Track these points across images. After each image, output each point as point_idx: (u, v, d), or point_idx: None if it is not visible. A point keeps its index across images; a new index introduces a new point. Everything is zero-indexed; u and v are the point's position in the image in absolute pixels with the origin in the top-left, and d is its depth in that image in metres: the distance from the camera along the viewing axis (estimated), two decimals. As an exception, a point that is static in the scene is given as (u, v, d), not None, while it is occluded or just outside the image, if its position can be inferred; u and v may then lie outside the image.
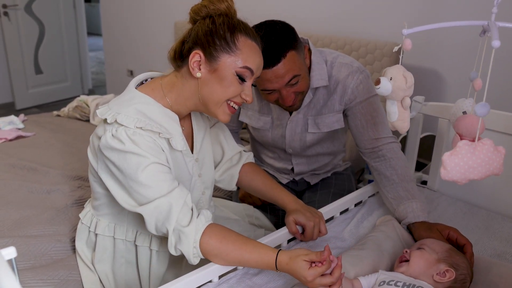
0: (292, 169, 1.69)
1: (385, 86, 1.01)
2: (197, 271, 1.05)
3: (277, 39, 1.25)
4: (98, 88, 5.41)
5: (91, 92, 5.17)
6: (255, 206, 1.66)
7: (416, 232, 1.27)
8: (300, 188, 1.78)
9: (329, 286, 0.97)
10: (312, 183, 1.75)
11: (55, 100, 4.84)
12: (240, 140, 1.84)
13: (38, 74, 4.62)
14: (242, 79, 1.06)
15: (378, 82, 1.01)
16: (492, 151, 0.91)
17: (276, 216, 1.66)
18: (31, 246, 1.34)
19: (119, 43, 4.11)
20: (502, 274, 1.13)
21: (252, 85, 1.12)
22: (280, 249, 1.03)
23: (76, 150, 2.09)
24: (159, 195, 1.02)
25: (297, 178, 1.74)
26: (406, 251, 1.10)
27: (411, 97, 1.20)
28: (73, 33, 4.83)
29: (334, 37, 2.37)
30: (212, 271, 1.07)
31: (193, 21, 1.09)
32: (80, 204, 1.59)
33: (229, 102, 1.09)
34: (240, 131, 2.06)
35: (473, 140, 0.95)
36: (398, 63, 2.13)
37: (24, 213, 1.51)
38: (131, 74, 4.07)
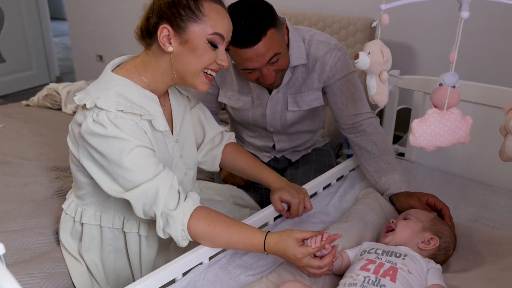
0: (274, 146, 1.70)
1: (363, 61, 1.03)
2: (187, 254, 1.06)
3: (257, 17, 1.23)
4: (66, 75, 5.24)
5: (59, 80, 5.00)
6: (238, 186, 1.67)
7: (398, 201, 1.31)
8: (281, 166, 1.79)
9: (319, 269, 0.99)
10: (293, 160, 1.77)
11: (22, 90, 4.66)
12: (220, 121, 1.83)
13: (1, 62, 4.43)
14: (214, 45, 1.05)
15: (357, 56, 1.03)
16: (459, 120, 0.94)
17: (260, 194, 1.67)
18: (13, 241, 1.31)
19: (85, 27, 3.98)
20: (481, 238, 1.19)
21: (226, 49, 1.11)
22: (269, 231, 1.04)
23: (50, 139, 2.04)
24: (145, 179, 1.01)
25: (278, 156, 1.75)
26: (393, 221, 1.13)
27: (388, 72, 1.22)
28: (35, 18, 4.62)
29: (307, 14, 2.36)
30: (202, 253, 1.08)
31: None
32: (60, 195, 1.55)
33: (205, 70, 1.08)
34: (219, 112, 2.05)
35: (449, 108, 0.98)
36: (371, 39, 2.16)
37: (2, 208, 1.47)
38: (101, 59, 3.96)
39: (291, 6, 2.50)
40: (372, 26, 1.02)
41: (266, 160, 1.75)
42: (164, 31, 1.02)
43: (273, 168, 1.77)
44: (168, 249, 1.25)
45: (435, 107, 1.00)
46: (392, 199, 1.34)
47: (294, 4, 2.50)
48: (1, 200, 1.52)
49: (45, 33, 4.77)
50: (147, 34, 1.06)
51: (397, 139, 2.15)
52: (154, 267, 1.22)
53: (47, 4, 4.79)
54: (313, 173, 1.71)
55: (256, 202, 1.61)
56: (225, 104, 1.64)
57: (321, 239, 1.00)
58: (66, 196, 1.30)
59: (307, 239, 1.02)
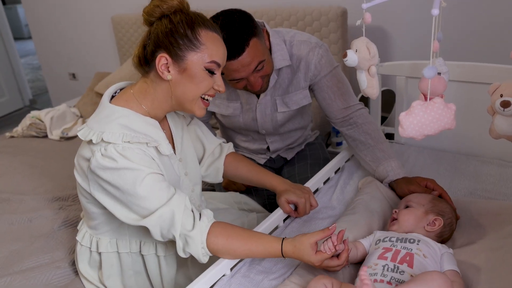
0: (268, 148, 1.74)
1: (351, 58, 1.08)
2: (210, 269, 1.10)
3: (238, 29, 1.26)
4: (40, 97, 5.14)
5: (33, 102, 4.91)
6: (241, 192, 1.71)
7: (398, 187, 1.37)
8: (277, 165, 1.84)
9: (337, 266, 1.05)
10: (288, 158, 1.82)
11: (-4, 118, 4.57)
12: (212, 128, 1.86)
13: (-29, 93, 4.32)
14: (211, 72, 1.08)
15: (345, 55, 1.08)
16: (443, 108, 1.00)
17: (262, 197, 1.72)
18: (31, 279, 1.33)
19: (54, 45, 3.89)
20: (480, 210, 1.26)
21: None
22: (284, 238, 1.09)
23: (44, 170, 2.03)
24: (160, 204, 1.04)
25: (273, 156, 1.79)
26: (395, 211, 1.19)
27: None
28: (-3, 40, 4.50)
29: (278, 9, 2.39)
30: (223, 266, 1.12)
31: (149, 23, 1.08)
32: (67, 225, 1.57)
33: (202, 96, 1.11)
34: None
35: (432, 99, 1.05)
36: (344, 27, 2.19)
37: (13, 248, 1.48)
38: (74, 77, 3.90)
39: (262, 4, 2.52)
40: (357, 24, 1.07)
41: (262, 161, 1.80)
42: (162, 59, 1.04)
43: (270, 168, 1.82)
44: (187, 264, 1.29)
45: (424, 95, 1.06)
46: (392, 186, 1.41)
47: (266, 1, 2.52)
48: (9, 239, 1.52)
49: (11, 55, 4.65)
50: (145, 62, 1.08)
51: (381, 120, 2.22)
52: (176, 284, 1.25)
53: (8, 24, 4.65)
54: (310, 168, 1.76)
55: (260, 204, 1.66)
56: (214, 112, 1.67)
57: (333, 244, 1.04)
58: (78, 227, 1.32)
59: (319, 240, 1.06)
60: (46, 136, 2.47)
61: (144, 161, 1.05)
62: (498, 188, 1.40)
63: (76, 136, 2.45)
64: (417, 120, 1.01)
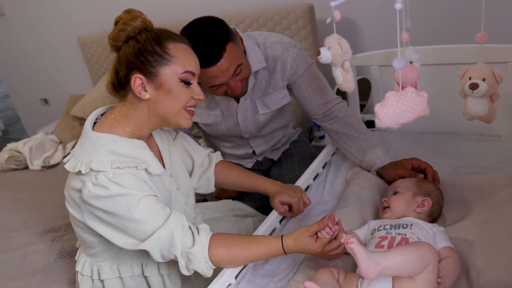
0: (253, 151, 1.76)
1: (325, 55, 1.12)
2: (214, 282, 1.11)
3: (213, 35, 1.27)
4: (12, 126, 5.03)
5: (5, 133, 4.81)
6: (233, 198, 1.72)
7: (386, 173, 1.41)
8: (265, 167, 1.86)
9: (338, 248, 1.08)
10: (275, 159, 1.84)
11: (-30, 153, 4.45)
12: (195, 138, 1.86)
13: None
14: (187, 83, 1.09)
15: (318, 53, 1.12)
16: (415, 97, 1.04)
17: (255, 201, 1.73)
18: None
19: (21, 71, 3.81)
20: (465, 186, 1.31)
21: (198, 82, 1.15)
22: (283, 235, 1.11)
23: (31, 203, 2.00)
24: (157, 226, 1.05)
25: (260, 159, 1.81)
26: (385, 200, 1.23)
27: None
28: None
29: (246, 12, 2.40)
30: (228, 276, 1.13)
31: (116, 48, 1.08)
32: (63, 256, 1.55)
33: (185, 107, 1.12)
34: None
35: (413, 86, 1.08)
36: (313, 22, 2.22)
37: (11, 287, 1.46)
38: (46, 102, 3.83)
39: (230, 8, 2.53)
40: (327, 22, 1.10)
41: (250, 165, 1.81)
42: (137, 80, 1.04)
43: (258, 170, 1.83)
44: (191, 279, 1.30)
45: (398, 84, 1.10)
46: (380, 173, 1.44)
47: (233, 5, 2.53)
48: (4, 280, 1.50)
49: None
50: (120, 86, 1.09)
51: (360, 108, 2.26)
52: (183, 300, 1.26)
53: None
54: (297, 166, 1.79)
55: (253, 208, 1.67)
56: (196, 122, 1.68)
57: (328, 227, 1.07)
58: (76, 258, 1.31)
59: (317, 231, 1.09)
60: (27, 168, 2.43)
61: (136, 185, 1.05)
62: (479, 163, 1.45)
63: (59, 164, 2.42)
64: (392, 111, 1.05)
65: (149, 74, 1.04)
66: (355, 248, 0.86)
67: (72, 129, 2.70)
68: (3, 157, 2.45)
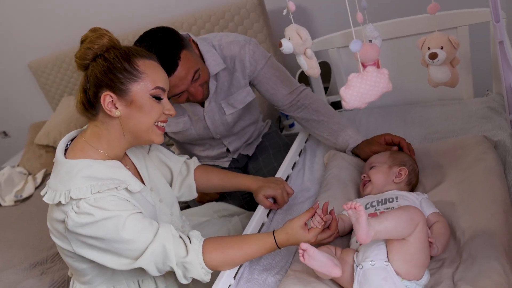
0: (227, 149, 1.76)
1: (287, 46, 1.14)
2: (215, 285, 1.11)
3: (165, 45, 1.27)
4: (-27, 164, 4.83)
5: (-33, 173, 4.60)
6: (216, 200, 1.73)
7: (361, 152, 1.44)
8: (242, 164, 1.87)
9: (330, 237, 1.11)
10: (250, 154, 1.85)
11: None
12: (167, 146, 1.85)
13: None
14: (158, 98, 1.08)
15: (280, 44, 1.14)
16: (376, 75, 1.08)
17: (237, 198, 1.74)
18: None
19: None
20: (437, 152, 1.36)
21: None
22: (274, 230, 1.13)
23: (10, 239, 1.94)
24: (148, 242, 1.04)
25: (235, 156, 1.82)
26: (364, 176, 1.27)
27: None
28: None
29: (196, 14, 2.39)
30: (226, 277, 1.14)
31: (83, 67, 1.07)
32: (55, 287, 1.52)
33: (156, 123, 1.11)
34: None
35: (374, 64, 1.12)
36: (265, 14, 2.22)
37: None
38: (6, 135, 3.69)
39: (179, 12, 2.51)
40: (284, 14, 1.12)
41: (226, 164, 1.82)
42: (107, 98, 1.03)
43: (235, 168, 1.84)
44: (188, 285, 1.29)
45: (361, 63, 1.14)
46: (355, 152, 1.48)
47: (183, 8, 2.51)
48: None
49: None
50: (90, 106, 1.07)
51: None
52: (184, 308, 1.26)
53: None
54: (274, 158, 1.80)
55: (238, 206, 1.68)
56: (165, 132, 1.67)
57: (320, 217, 1.10)
58: (70, 287, 1.28)
59: (307, 220, 1.11)
60: (-1, 205, 2.35)
61: (119, 206, 1.04)
62: (446, 127, 1.51)
63: (32, 195, 2.35)
64: (356, 92, 1.08)
65: (119, 91, 1.03)
66: (362, 211, 0.89)
67: (39, 158, 2.63)
68: (-29, 198, 2.36)
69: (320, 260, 0.98)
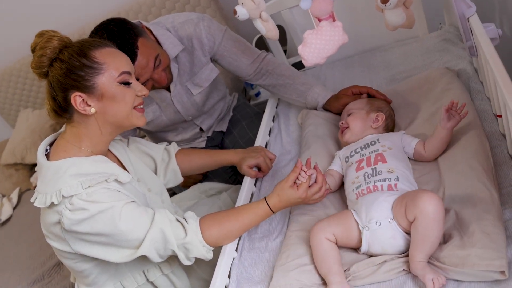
0: (201, 129, 1.76)
1: (241, 12, 1.15)
2: (219, 262, 1.13)
3: (120, 37, 1.25)
4: None
5: None
6: (200, 181, 1.73)
7: (332, 107, 1.47)
8: (218, 141, 1.86)
9: (320, 190, 1.13)
10: (224, 130, 1.85)
11: None
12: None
13: None
14: (127, 83, 1.06)
15: (235, 12, 1.14)
16: (330, 29, 1.10)
17: (220, 175, 1.75)
18: None
19: None
20: (406, 91, 1.40)
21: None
22: (265, 197, 1.14)
23: (1, 263, 1.89)
24: (146, 229, 1.05)
25: (209, 134, 1.81)
26: (342, 123, 1.29)
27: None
28: None
29: (149, 0, 2.32)
30: (228, 251, 1.15)
31: (43, 74, 1.04)
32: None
33: (133, 107, 1.09)
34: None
35: (329, 17, 1.13)
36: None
37: None
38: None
39: (124, 1, 2.43)
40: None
41: (203, 144, 1.81)
42: (77, 98, 1.01)
43: (212, 147, 1.84)
44: (193, 268, 1.31)
45: (318, 18, 1.15)
46: (326, 109, 1.50)
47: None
48: None
49: None
50: (62, 110, 1.05)
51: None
52: (195, 289, 1.28)
53: None
54: (248, 128, 1.81)
55: (224, 182, 1.69)
56: None
57: (304, 171, 1.11)
58: (75, 293, 1.27)
59: (294, 179, 1.13)
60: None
61: (113, 197, 1.03)
62: (408, 66, 1.55)
63: (11, 217, 2.29)
64: (313, 48, 1.10)
65: (86, 88, 1.01)
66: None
67: (9, 177, 2.55)
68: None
69: None
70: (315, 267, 1.02)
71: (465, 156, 1.06)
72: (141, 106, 1.11)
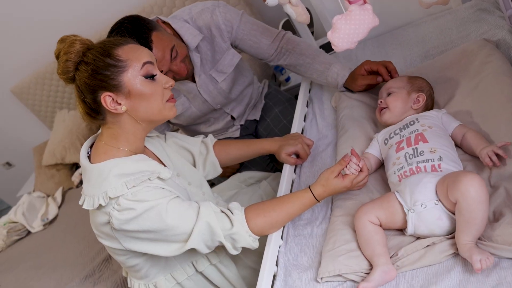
0: (232, 117, 1.76)
1: None
2: (266, 251, 1.15)
3: (134, 32, 1.27)
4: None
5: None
6: (238, 171, 1.75)
7: (351, 87, 1.46)
8: (252, 129, 1.87)
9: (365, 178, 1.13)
10: (258, 118, 1.85)
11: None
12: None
13: None
14: (151, 76, 1.07)
15: None
16: (360, 13, 1.06)
17: (259, 164, 1.76)
18: None
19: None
20: (442, 66, 1.36)
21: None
22: (310, 185, 1.15)
23: (51, 262, 1.98)
24: (193, 222, 1.08)
25: (242, 123, 1.81)
26: (381, 101, 1.26)
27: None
28: None
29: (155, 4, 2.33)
30: (274, 240, 1.17)
31: (70, 80, 1.06)
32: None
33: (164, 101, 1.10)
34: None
35: (358, 0, 1.10)
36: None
37: None
38: (9, 165, 3.68)
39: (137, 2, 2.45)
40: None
41: (237, 133, 1.82)
42: (107, 98, 1.03)
43: (247, 135, 1.85)
44: (240, 257, 1.33)
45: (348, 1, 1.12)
46: (347, 87, 1.48)
47: None
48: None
49: None
50: (95, 112, 1.07)
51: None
52: (244, 279, 1.31)
53: None
54: (282, 115, 1.81)
55: (262, 170, 1.70)
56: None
57: (356, 164, 1.11)
58: (129, 285, 1.32)
59: (341, 170, 1.12)
60: (29, 233, 2.39)
61: (157, 195, 1.06)
62: (443, 40, 1.50)
63: (57, 216, 2.38)
64: (343, 33, 1.07)
65: (114, 87, 1.03)
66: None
67: (52, 178, 2.64)
68: (2, 233, 2.39)
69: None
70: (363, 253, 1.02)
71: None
72: (172, 97, 1.12)
